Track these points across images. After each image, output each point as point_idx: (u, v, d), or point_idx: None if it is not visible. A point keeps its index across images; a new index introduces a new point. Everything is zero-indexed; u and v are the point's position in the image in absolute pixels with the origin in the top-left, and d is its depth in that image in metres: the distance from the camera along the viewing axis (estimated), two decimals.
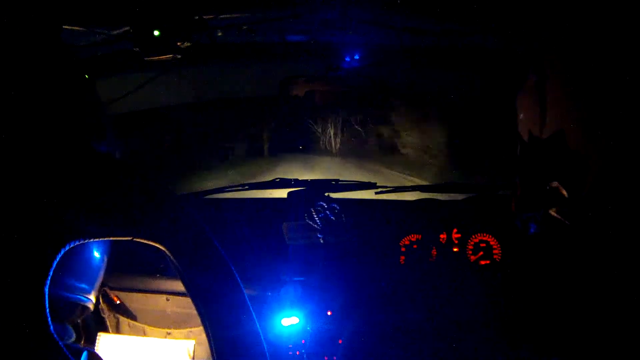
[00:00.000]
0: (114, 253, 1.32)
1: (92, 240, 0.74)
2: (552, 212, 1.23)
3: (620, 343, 1.18)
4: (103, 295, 1.84)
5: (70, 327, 1.23)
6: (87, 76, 1.01)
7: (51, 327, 0.64)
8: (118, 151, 1.32)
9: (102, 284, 1.65)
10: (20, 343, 0.62)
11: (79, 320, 1.64)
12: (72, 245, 0.70)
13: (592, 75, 1.14)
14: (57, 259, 0.68)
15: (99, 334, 1.76)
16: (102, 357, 0.91)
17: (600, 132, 1.13)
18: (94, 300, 1.24)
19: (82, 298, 1.19)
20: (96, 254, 1.22)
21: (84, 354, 0.77)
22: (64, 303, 1.13)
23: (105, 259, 1.27)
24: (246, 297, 0.88)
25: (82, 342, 1.74)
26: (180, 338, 1.82)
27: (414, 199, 2.18)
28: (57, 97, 0.83)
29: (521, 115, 1.32)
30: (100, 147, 1.10)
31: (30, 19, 0.94)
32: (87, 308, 1.22)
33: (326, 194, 2.09)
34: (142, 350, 1.75)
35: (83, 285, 1.18)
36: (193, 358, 1.75)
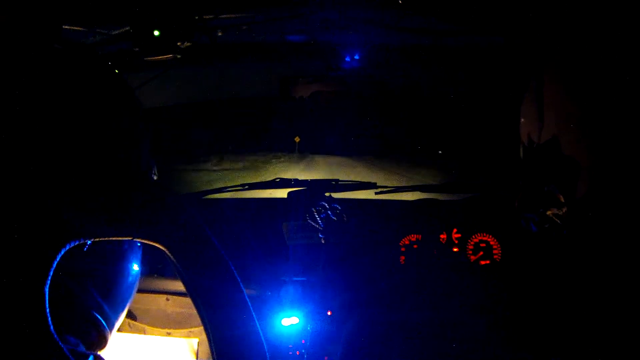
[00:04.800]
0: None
1: (91, 240, 0.74)
2: (549, 214, 1.25)
3: (619, 343, 1.18)
4: None
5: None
6: (116, 71, 0.95)
7: (52, 328, 0.64)
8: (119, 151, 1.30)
9: None
10: (20, 344, 0.62)
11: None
12: (72, 245, 0.70)
13: (591, 80, 1.15)
14: (57, 259, 0.67)
15: None
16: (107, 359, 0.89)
17: (598, 135, 1.14)
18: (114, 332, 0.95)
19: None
20: (135, 267, 0.95)
21: (90, 357, 0.76)
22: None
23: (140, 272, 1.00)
24: (246, 297, 0.87)
25: None
26: (181, 338, 1.82)
27: (414, 199, 2.18)
28: (60, 96, 0.83)
29: (522, 118, 1.33)
30: (102, 147, 1.09)
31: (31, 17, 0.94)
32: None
33: (327, 194, 2.09)
34: (146, 348, 1.75)
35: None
36: (197, 356, 1.75)
